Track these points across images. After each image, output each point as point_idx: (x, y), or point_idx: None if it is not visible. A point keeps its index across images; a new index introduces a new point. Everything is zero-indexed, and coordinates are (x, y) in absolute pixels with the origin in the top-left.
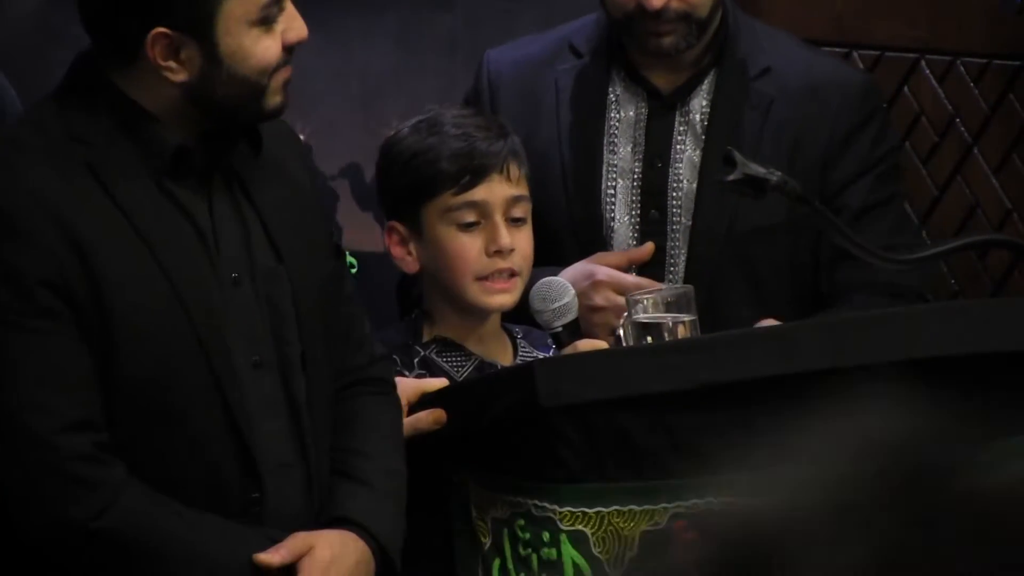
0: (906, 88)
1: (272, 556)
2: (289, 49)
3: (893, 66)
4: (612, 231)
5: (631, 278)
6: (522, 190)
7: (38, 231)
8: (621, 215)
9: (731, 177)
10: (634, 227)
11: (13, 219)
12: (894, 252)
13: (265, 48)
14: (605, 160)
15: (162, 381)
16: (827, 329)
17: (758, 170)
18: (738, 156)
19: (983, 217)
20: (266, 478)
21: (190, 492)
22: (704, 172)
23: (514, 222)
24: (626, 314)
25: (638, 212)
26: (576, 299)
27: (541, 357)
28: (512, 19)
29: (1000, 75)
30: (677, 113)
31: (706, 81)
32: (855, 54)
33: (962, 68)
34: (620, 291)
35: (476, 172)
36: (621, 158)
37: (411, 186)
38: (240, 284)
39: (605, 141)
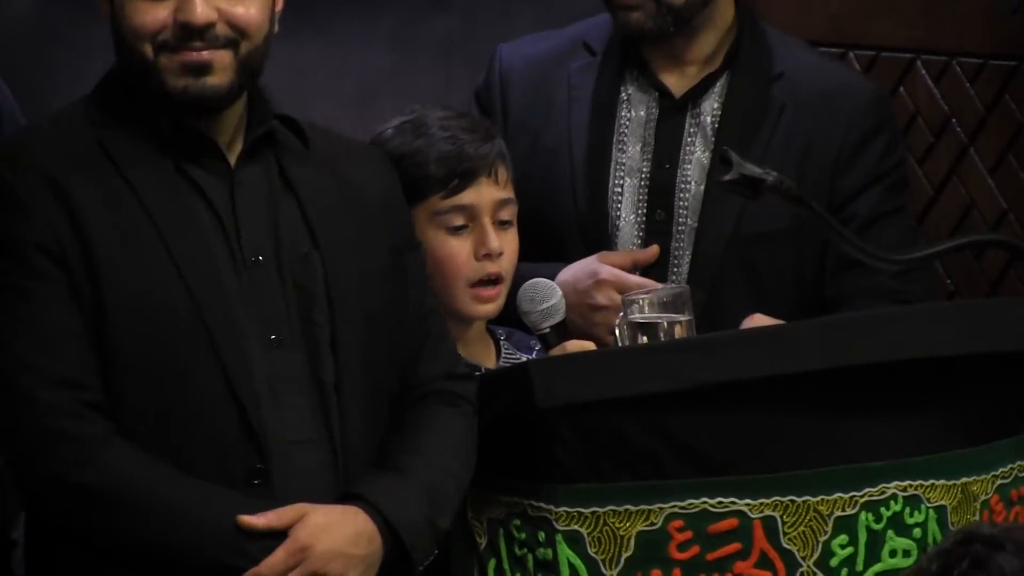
0: (902, 88)
1: (257, 519)
2: (185, 30)
3: (889, 66)
4: (617, 230)
5: (634, 278)
6: (509, 193)
7: (32, 197)
8: (627, 214)
9: (727, 177)
10: (639, 227)
11: (12, 186)
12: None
13: (143, 12)
14: (614, 159)
15: (160, 347)
16: (823, 329)
17: (754, 170)
18: (734, 156)
19: (979, 217)
20: (273, 450)
21: (193, 459)
22: (712, 175)
23: (501, 225)
24: (622, 314)
25: (644, 212)
26: (563, 300)
27: (524, 359)
28: (509, 19)
29: (996, 75)
30: (688, 114)
31: (718, 84)
32: (851, 54)
33: (958, 68)
34: (623, 291)
35: (465, 175)
36: (630, 157)
37: None
38: (262, 265)
39: (615, 140)
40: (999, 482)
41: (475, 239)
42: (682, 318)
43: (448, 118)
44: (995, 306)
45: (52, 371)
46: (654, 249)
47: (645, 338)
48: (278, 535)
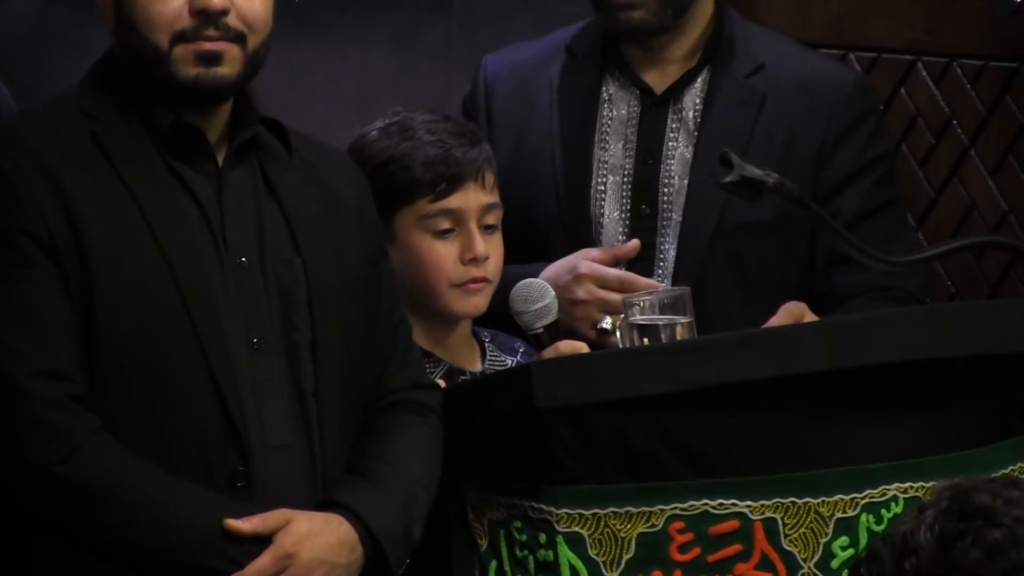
0: (903, 90)
1: (244, 524)
2: (203, 18)
3: (890, 68)
4: (601, 227)
5: (614, 272)
6: (495, 197)
7: (27, 186)
8: (611, 211)
9: (728, 179)
10: (624, 223)
11: (7, 173)
12: (890, 255)
13: (158, 1)
14: (596, 157)
15: (147, 344)
16: (823, 331)
17: (754, 172)
18: (735, 158)
19: (980, 219)
20: (254, 452)
21: (177, 459)
22: (696, 169)
23: (487, 229)
24: (622, 316)
25: (628, 208)
26: (556, 301)
27: (510, 362)
28: (508, 22)
29: (997, 77)
30: (670, 110)
31: (699, 79)
32: (852, 56)
33: (959, 70)
34: (602, 285)
35: (452, 180)
36: (612, 155)
37: (384, 192)
38: (248, 269)
39: (596, 139)
40: None
41: (461, 243)
42: (683, 320)
43: (434, 121)
44: (995, 308)
45: (39, 360)
46: (635, 243)
47: (646, 340)
48: (261, 540)
